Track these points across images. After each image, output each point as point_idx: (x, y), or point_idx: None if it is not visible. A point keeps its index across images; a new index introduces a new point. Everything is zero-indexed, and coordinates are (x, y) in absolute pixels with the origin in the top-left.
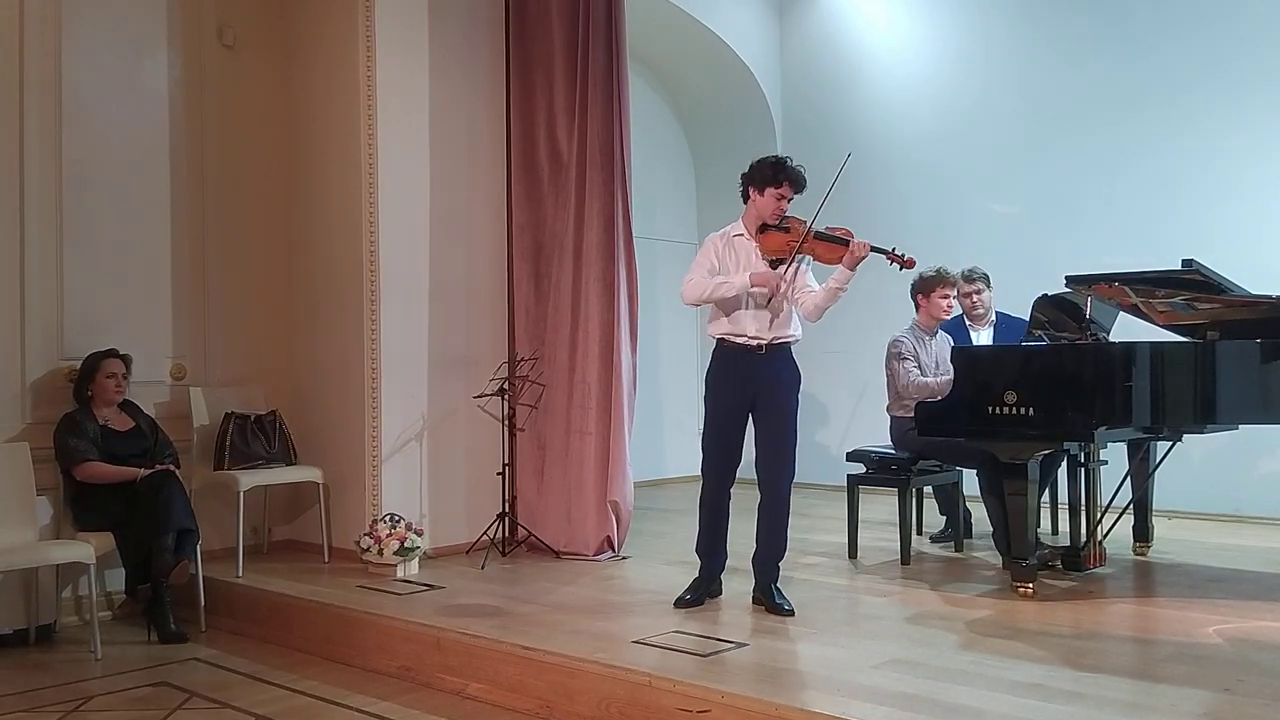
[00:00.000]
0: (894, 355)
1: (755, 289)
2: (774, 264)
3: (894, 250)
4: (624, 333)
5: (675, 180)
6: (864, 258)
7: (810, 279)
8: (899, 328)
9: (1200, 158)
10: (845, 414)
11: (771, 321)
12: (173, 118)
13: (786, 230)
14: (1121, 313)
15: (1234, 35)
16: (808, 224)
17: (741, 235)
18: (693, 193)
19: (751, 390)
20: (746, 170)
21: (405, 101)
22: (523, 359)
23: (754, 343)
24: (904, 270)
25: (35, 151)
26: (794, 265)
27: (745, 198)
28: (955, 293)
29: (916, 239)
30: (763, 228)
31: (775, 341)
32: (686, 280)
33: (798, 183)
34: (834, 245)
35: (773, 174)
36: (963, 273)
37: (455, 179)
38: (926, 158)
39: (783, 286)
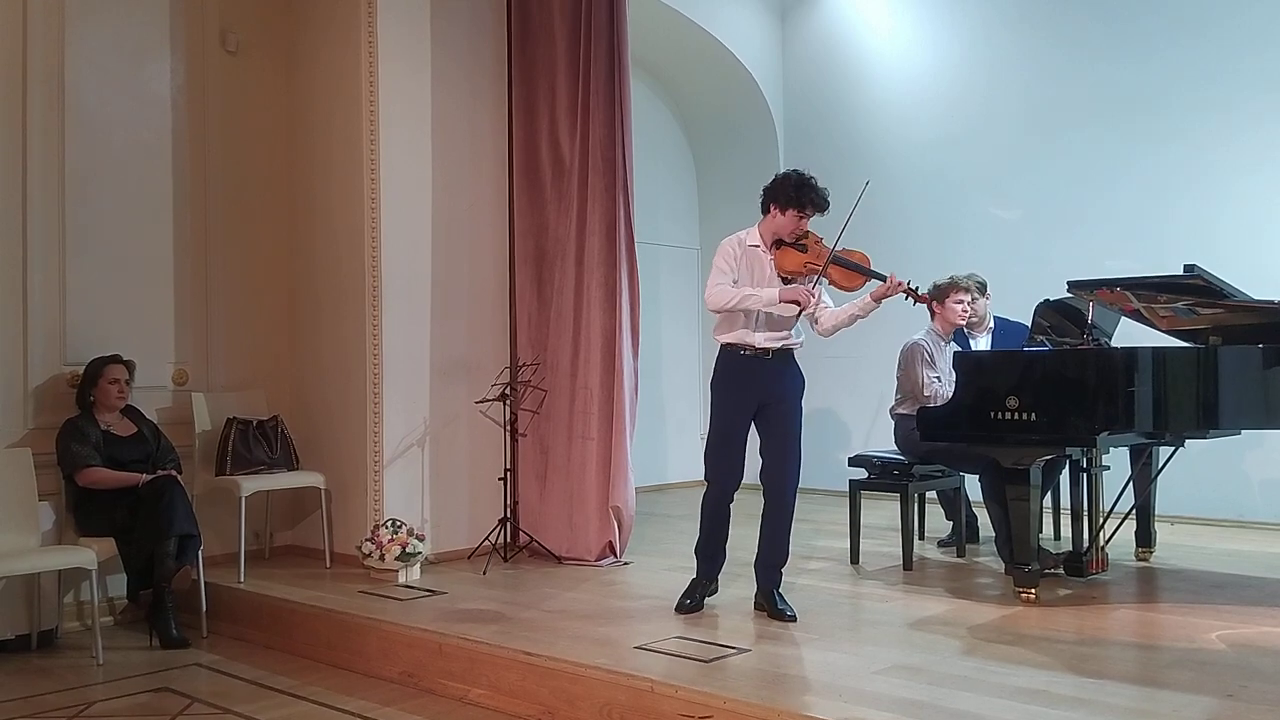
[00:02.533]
0: (920, 359)
1: (783, 304)
2: (785, 281)
3: (908, 284)
4: (625, 338)
5: (677, 185)
6: (896, 295)
7: (825, 296)
8: (901, 333)
9: (1201, 161)
10: (847, 419)
11: (778, 329)
12: (175, 123)
13: (804, 249)
14: (1124, 318)
15: (1234, 38)
16: (831, 248)
17: (757, 246)
18: (694, 198)
19: (758, 396)
20: (770, 184)
21: (407, 107)
22: (524, 364)
23: (761, 349)
24: (917, 305)
25: (38, 157)
26: (816, 285)
27: (765, 209)
28: (969, 297)
29: (918, 244)
30: (778, 243)
31: (781, 347)
32: (711, 284)
33: (821, 207)
34: (851, 274)
35: (797, 196)
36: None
37: (457, 184)
38: (928, 163)
39: (813, 303)
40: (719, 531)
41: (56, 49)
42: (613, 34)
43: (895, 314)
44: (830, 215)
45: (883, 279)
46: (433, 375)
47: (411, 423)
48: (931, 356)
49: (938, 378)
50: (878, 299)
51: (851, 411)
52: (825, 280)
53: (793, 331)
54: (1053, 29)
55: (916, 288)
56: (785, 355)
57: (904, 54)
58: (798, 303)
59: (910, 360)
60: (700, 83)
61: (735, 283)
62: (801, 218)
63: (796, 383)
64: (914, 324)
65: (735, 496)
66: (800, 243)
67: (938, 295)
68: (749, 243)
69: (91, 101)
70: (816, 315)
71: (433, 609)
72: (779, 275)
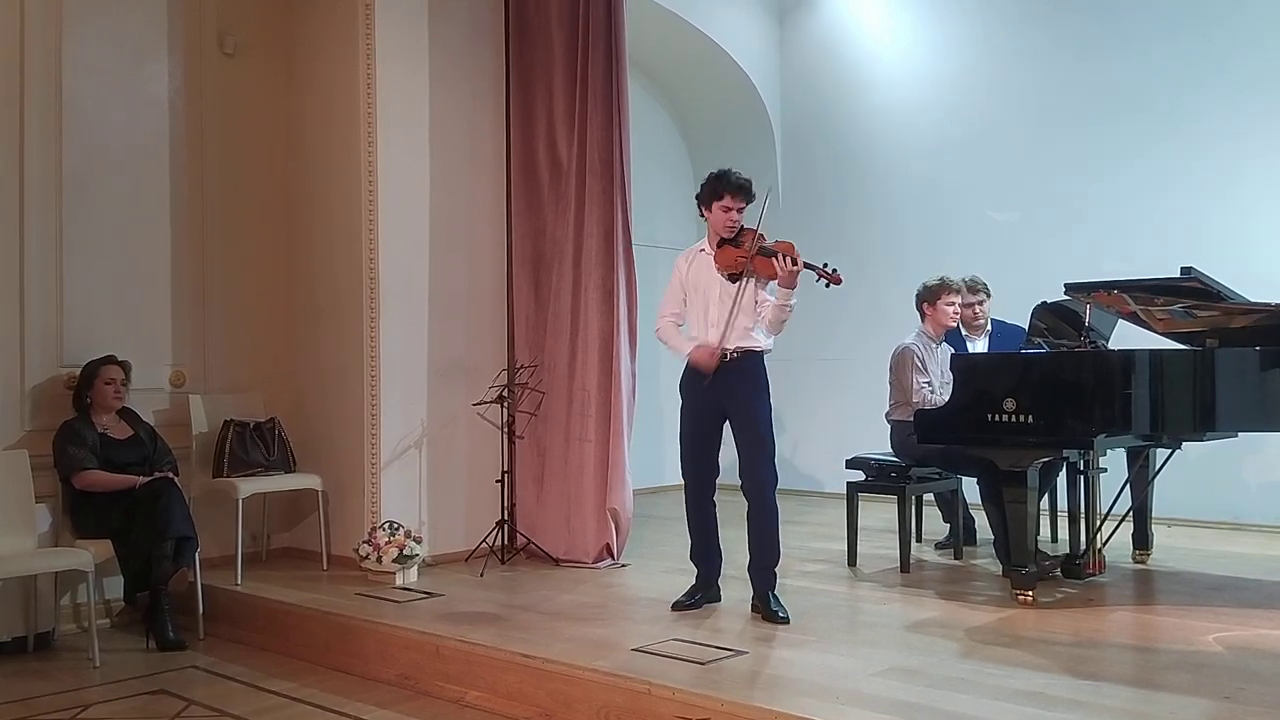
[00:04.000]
0: (909, 365)
1: (695, 364)
2: (731, 278)
3: (824, 266)
4: (623, 340)
5: (675, 188)
6: (798, 272)
7: (767, 291)
8: (896, 334)
9: (1200, 162)
10: (844, 421)
11: (730, 332)
12: (173, 125)
13: (739, 245)
14: (1121, 320)
15: (1231, 39)
16: (754, 239)
17: (705, 251)
18: (692, 200)
19: (719, 396)
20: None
21: (405, 109)
22: (522, 366)
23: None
24: (831, 287)
25: (36, 159)
26: (743, 289)
27: (701, 215)
28: (960, 299)
29: (915, 246)
30: (720, 242)
31: (737, 350)
32: (659, 308)
33: (739, 192)
34: (769, 262)
35: (713, 187)
36: (964, 283)
37: (455, 186)
38: (925, 165)
39: (715, 364)
40: (705, 532)
41: (54, 50)
42: (610, 37)
43: (892, 315)
44: (814, 212)
45: (808, 267)
46: (430, 377)
47: (409, 425)
48: (922, 361)
49: (928, 382)
50: (786, 285)
51: (848, 413)
52: (755, 274)
53: (756, 332)
54: (1052, 30)
55: (824, 264)
56: (745, 356)
57: (902, 57)
58: (702, 366)
59: (900, 365)
60: (698, 86)
61: (683, 290)
62: (727, 209)
63: (751, 383)
64: (909, 325)
65: (721, 500)
66: (737, 239)
67: (928, 297)
68: (699, 249)
69: (89, 103)
70: (759, 312)
71: (430, 611)
72: (719, 272)
